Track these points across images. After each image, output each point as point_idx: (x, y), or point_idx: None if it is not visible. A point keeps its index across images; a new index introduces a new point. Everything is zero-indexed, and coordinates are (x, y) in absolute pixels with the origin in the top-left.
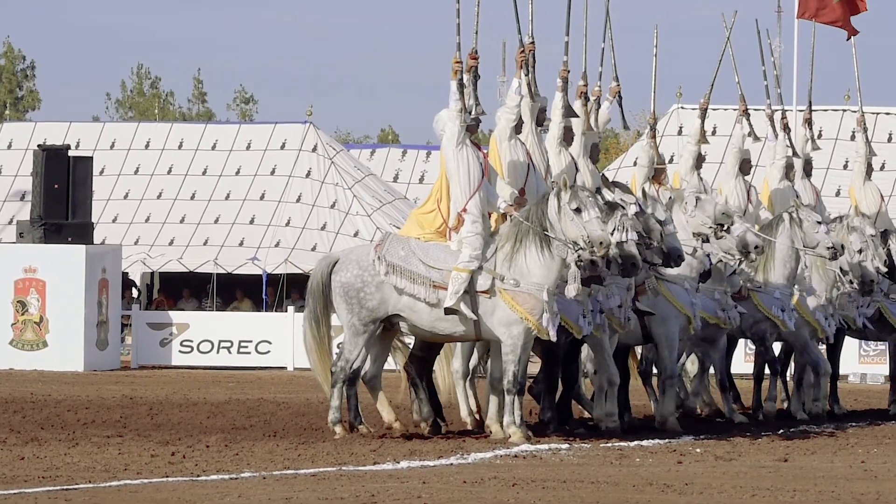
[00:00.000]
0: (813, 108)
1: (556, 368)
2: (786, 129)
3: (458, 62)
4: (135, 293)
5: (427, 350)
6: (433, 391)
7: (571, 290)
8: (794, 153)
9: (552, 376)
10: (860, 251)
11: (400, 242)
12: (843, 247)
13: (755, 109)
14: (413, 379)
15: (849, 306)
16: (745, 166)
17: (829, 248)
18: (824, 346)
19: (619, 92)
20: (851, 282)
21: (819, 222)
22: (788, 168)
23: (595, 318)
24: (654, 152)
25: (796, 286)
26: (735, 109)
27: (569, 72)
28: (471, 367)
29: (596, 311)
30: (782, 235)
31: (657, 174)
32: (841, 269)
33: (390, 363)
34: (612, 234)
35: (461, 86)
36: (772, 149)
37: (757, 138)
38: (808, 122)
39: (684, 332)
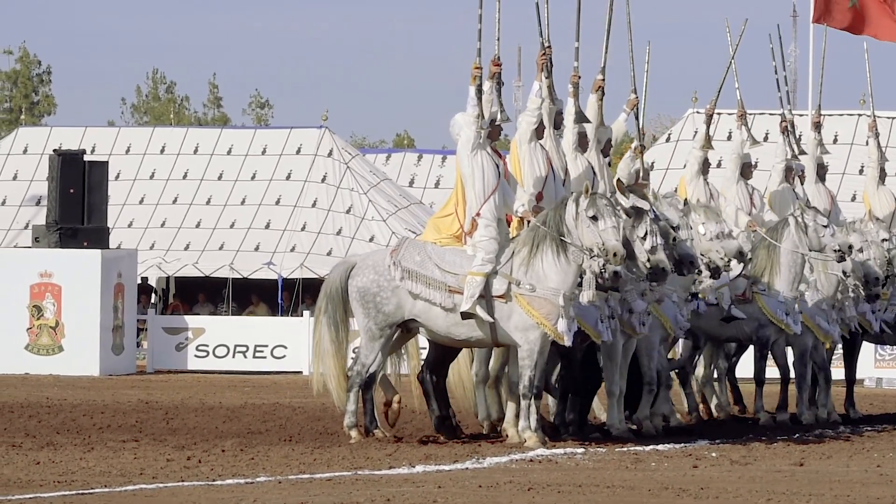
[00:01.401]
0: (829, 112)
1: (573, 373)
2: (785, 132)
3: (478, 68)
4: (153, 299)
5: (441, 357)
6: (447, 397)
7: (586, 296)
8: (795, 156)
9: (569, 380)
10: (861, 250)
11: (416, 247)
12: (850, 247)
13: (770, 114)
14: (426, 390)
15: (852, 310)
16: (746, 170)
17: (836, 250)
18: (841, 350)
19: (637, 105)
20: (856, 283)
21: (825, 225)
22: (788, 171)
23: (611, 324)
24: (642, 166)
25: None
26: (750, 114)
27: (580, 77)
28: (491, 372)
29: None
30: (787, 239)
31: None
32: (843, 271)
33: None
34: (643, 238)
35: (479, 92)
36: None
37: (756, 142)
38: (818, 126)
39: (664, 340)
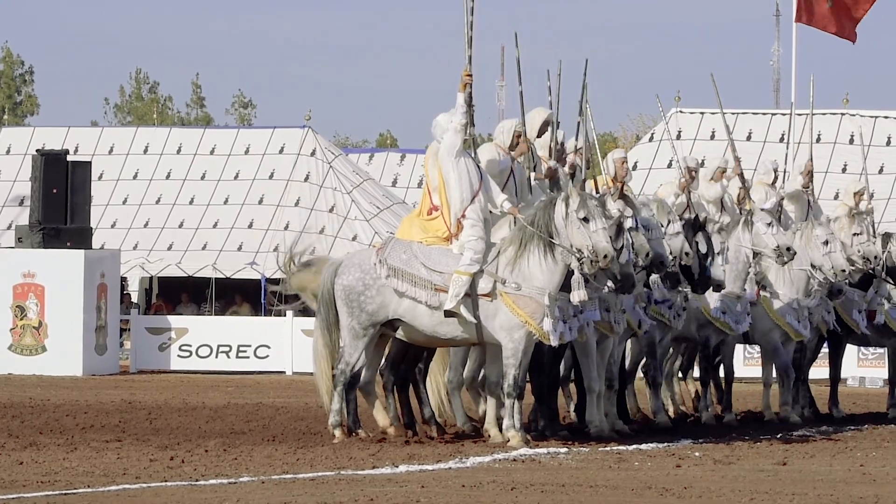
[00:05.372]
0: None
1: (542, 376)
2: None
3: (468, 75)
4: (134, 298)
5: (403, 357)
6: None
7: (576, 296)
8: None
9: (541, 383)
10: (826, 243)
11: (402, 246)
12: (789, 248)
13: (753, 113)
14: (386, 387)
15: (822, 310)
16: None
17: (774, 248)
18: (826, 349)
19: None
20: (825, 277)
21: (769, 224)
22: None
23: (576, 323)
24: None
25: (769, 289)
26: (734, 113)
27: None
28: (468, 375)
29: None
30: (732, 239)
31: None
32: (812, 265)
33: None
34: (619, 251)
35: (470, 98)
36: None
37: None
38: (810, 175)
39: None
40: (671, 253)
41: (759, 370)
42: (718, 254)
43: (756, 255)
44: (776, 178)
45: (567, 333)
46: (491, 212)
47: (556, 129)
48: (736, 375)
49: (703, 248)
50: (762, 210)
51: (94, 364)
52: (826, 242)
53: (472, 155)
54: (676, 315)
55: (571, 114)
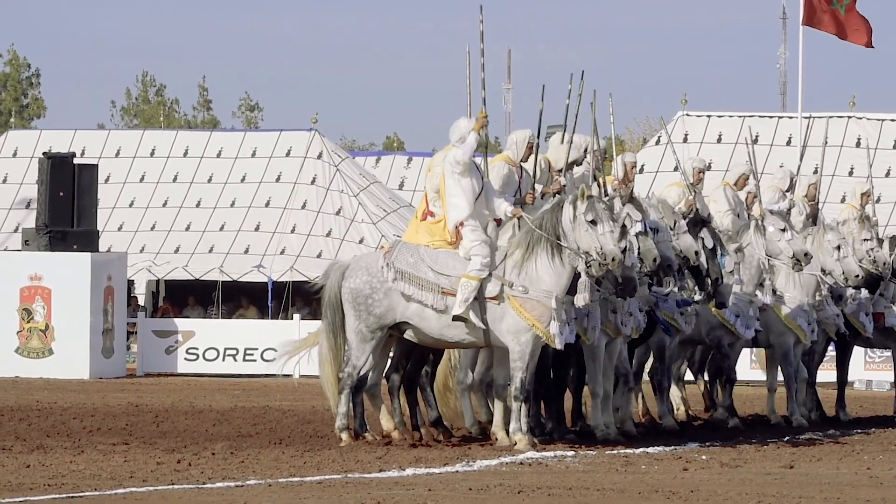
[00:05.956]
0: (818, 114)
1: (547, 379)
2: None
3: (485, 117)
4: (141, 301)
5: (408, 360)
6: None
7: (580, 299)
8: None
9: (546, 385)
10: (838, 248)
11: (409, 249)
12: (806, 254)
13: (760, 116)
14: (389, 388)
15: (832, 313)
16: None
17: (791, 256)
18: (833, 352)
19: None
20: (836, 282)
21: (783, 229)
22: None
23: (576, 325)
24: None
25: (778, 292)
26: (740, 117)
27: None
28: (476, 377)
29: (585, 318)
30: (746, 243)
31: None
32: (823, 269)
33: None
34: (623, 253)
35: (485, 138)
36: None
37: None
38: (815, 216)
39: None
40: (682, 252)
41: (764, 373)
42: (730, 272)
43: (768, 258)
44: (791, 185)
45: (568, 336)
46: (496, 220)
47: (570, 146)
48: (742, 379)
49: (709, 244)
50: (771, 212)
51: (101, 367)
52: (838, 248)
53: (476, 165)
54: (687, 319)
55: (586, 120)
